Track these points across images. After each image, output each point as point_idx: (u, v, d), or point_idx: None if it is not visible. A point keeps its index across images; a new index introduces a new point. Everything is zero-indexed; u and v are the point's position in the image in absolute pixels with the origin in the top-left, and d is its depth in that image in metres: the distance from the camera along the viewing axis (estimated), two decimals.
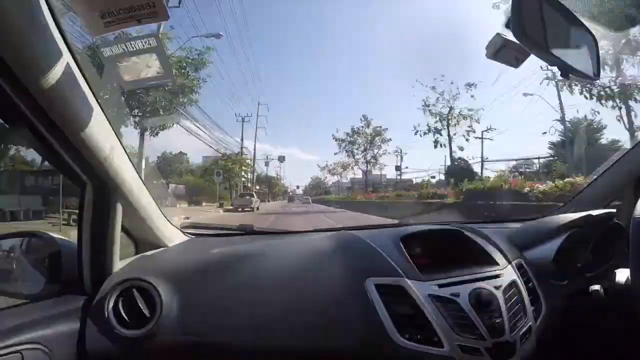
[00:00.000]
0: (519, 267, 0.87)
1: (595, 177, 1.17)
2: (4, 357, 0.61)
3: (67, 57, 0.59)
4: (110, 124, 0.72)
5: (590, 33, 0.71)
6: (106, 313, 0.73)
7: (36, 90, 0.56)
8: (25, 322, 0.69)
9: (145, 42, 0.64)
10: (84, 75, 0.64)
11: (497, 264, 0.85)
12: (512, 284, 0.80)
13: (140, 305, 0.74)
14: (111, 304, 0.74)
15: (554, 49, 0.59)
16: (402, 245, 0.85)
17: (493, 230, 1.02)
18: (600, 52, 0.72)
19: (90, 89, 0.65)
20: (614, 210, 0.94)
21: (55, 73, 0.56)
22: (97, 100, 0.67)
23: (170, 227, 1.03)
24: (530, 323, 0.77)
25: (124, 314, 0.74)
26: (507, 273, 0.83)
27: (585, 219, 0.91)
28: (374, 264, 0.81)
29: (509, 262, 0.86)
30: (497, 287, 0.77)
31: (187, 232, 1.12)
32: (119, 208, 0.82)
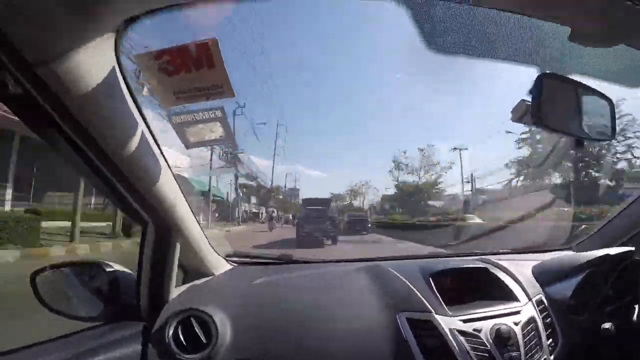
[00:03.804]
0: (539, 303, 1.00)
1: (618, 211, 1.27)
2: None
3: (142, 126, 0.74)
4: (174, 176, 0.87)
5: (606, 98, 0.82)
6: (167, 339, 0.88)
7: (116, 157, 0.71)
8: (94, 346, 0.85)
9: (212, 113, 0.78)
10: (155, 140, 0.79)
11: (518, 300, 0.98)
12: (531, 319, 0.94)
13: (198, 333, 0.89)
14: (171, 331, 0.89)
15: (570, 127, 0.71)
16: (431, 281, 0.99)
17: (518, 264, 1.15)
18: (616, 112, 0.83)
19: (161, 151, 0.81)
20: (633, 248, 1.04)
21: (131, 140, 0.71)
22: (165, 160, 0.83)
23: (216, 257, 1.19)
24: (545, 356, 0.90)
25: (182, 340, 0.89)
26: (527, 309, 0.96)
27: (604, 258, 1.02)
28: (406, 298, 0.96)
29: (530, 299, 0.99)
30: (516, 323, 0.91)
31: (230, 261, 1.28)
32: (178, 246, 0.98)
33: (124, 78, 0.67)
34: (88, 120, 0.63)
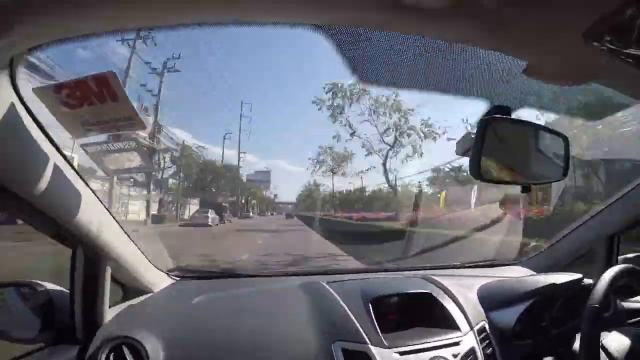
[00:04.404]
0: (481, 331, 1.00)
1: (568, 231, 1.28)
2: None
3: (54, 157, 0.68)
4: (101, 202, 0.82)
5: (561, 135, 0.78)
6: None
7: (29, 193, 0.65)
8: None
9: (126, 145, 0.72)
10: (71, 166, 0.73)
11: (459, 329, 0.99)
12: (470, 351, 0.95)
13: None
14: (104, 358, 0.88)
15: (517, 175, 0.67)
16: (370, 307, 0.99)
17: (464, 285, 1.16)
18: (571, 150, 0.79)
19: (79, 175, 0.75)
20: (580, 275, 1.05)
21: (44, 173, 0.66)
22: (86, 184, 0.78)
23: (156, 272, 1.17)
24: None
25: None
26: (468, 340, 0.97)
27: (551, 285, 1.03)
28: (343, 326, 0.96)
29: (471, 328, 0.99)
30: (454, 355, 0.92)
31: (172, 275, 1.26)
32: (109, 269, 0.95)
33: (26, 107, 0.61)
34: None
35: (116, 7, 0.43)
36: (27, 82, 0.62)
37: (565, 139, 0.79)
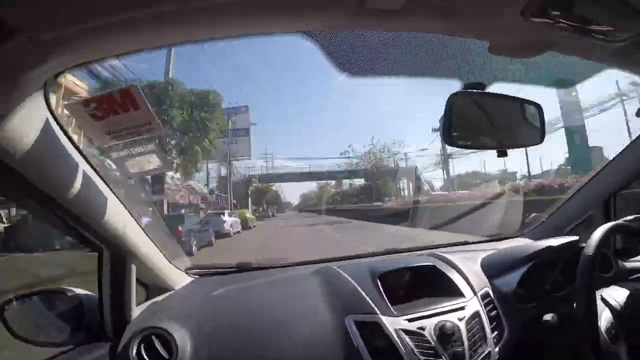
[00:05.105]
0: (485, 297, 1.09)
1: (566, 199, 1.37)
2: None
3: (83, 165, 0.79)
4: (124, 205, 0.93)
5: (534, 103, 0.87)
6: (131, 358, 0.96)
7: (64, 199, 0.76)
8: None
9: (144, 148, 0.82)
10: (98, 174, 0.83)
11: (464, 295, 1.07)
12: (475, 314, 1.03)
13: (160, 350, 0.97)
14: (134, 350, 0.97)
15: (489, 141, 0.76)
16: (378, 282, 1.07)
17: (468, 257, 1.24)
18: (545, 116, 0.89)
19: (105, 182, 0.86)
20: (576, 237, 1.13)
21: (76, 181, 0.76)
22: (111, 190, 0.88)
23: (175, 272, 1.27)
24: (489, 349, 1.00)
25: (146, 358, 0.97)
26: (472, 304, 1.05)
27: (547, 248, 1.11)
28: (354, 301, 1.05)
29: (475, 294, 1.08)
30: (460, 319, 1.00)
31: (190, 274, 1.36)
32: (134, 268, 1.04)
33: (58, 123, 0.71)
34: (33, 176, 0.68)
35: (132, 32, 0.51)
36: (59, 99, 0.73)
37: (539, 107, 0.89)
